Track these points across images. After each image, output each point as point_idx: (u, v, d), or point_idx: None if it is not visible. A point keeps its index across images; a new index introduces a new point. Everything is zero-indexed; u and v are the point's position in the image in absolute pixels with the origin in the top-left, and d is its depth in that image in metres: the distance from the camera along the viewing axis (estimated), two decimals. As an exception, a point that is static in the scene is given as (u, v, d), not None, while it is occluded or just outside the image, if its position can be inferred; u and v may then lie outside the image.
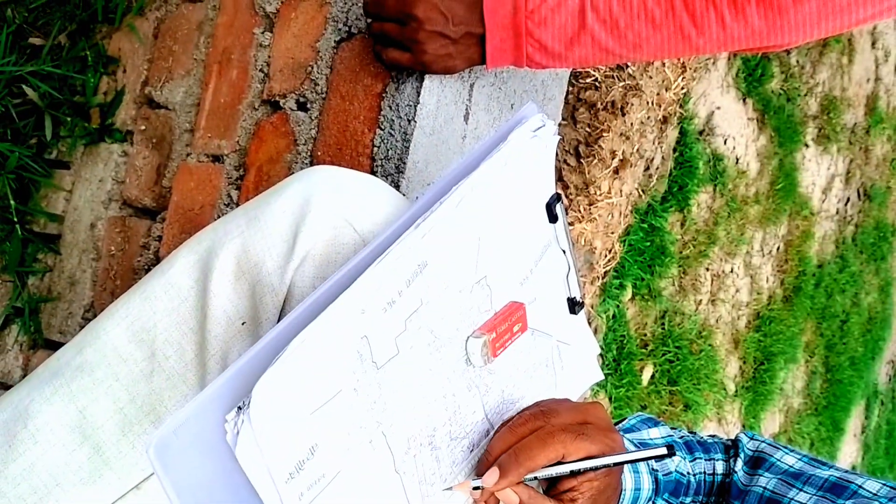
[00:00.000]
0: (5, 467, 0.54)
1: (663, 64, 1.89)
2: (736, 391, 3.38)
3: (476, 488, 0.61)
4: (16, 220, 1.15)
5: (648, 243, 2.58)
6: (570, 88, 1.76)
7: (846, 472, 0.77)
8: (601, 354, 2.27)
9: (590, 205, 1.75)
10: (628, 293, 2.54)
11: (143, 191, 1.07)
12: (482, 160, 0.60)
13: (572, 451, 0.60)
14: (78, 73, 1.15)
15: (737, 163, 3.19)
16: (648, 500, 0.73)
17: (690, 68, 2.29)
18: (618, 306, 2.59)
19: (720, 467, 0.83)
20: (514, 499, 0.60)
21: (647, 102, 1.89)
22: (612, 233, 2.10)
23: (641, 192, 2.45)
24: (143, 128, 1.09)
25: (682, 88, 2.28)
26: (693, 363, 2.95)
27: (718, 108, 2.92)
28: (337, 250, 0.58)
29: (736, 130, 3.15)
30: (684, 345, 2.91)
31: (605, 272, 2.27)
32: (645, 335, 2.79)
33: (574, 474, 0.63)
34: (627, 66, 1.79)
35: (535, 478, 0.60)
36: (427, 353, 0.57)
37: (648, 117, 2.07)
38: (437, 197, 0.57)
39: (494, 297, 0.64)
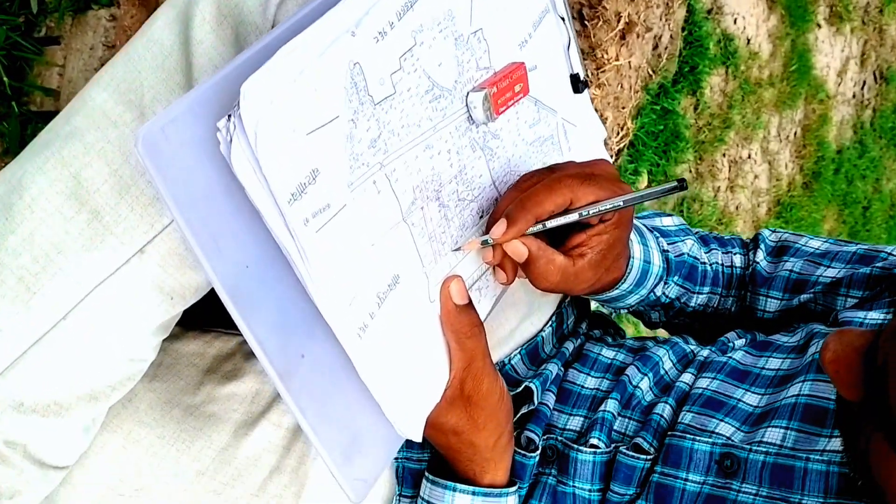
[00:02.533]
0: (4, 240, 0.53)
1: (664, -80, 1.82)
2: (760, 279, 3.32)
3: (485, 243, 0.59)
4: (10, 95, 1.13)
5: (662, 127, 2.53)
6: (569, -49, 1.70)
7: (873, 245, 0.75)
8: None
9: (597, 69, 1.71)
10: (644, 179, 2.50)
11: (136, 50, 1.05)
12: None
13: (580, 196, 0.58)
14: (57, -57, 1.12)
15: (748, 44, 3.11)
16: (659, 278, 0.71)
17: (693, -65, 2.21)
18: (634, 193, 2.53)
19: (738, 260, 0.81)
20: (522, 250, 0.58)
21: (650, -37, 1.83)
22: (623, 108, 2.06)
23: (652, 72, 2.39)
24: (128, -13, 1.06)
25: (687, -41, 2.21)
26: (714, 250, 2.89)
27: (725, -16, 2.83)
28: (319, -13, 0.56)
29: (745, 9, 3.06)
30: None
31: (619, 151, 2.23)
32: (664, 223, 2.72)
33: (584, 228, 0.61)
34: (627, -76, 1.72)
35: (545, 227, 0.58)
36: (426, 100, 0.55)
37: (653, -15, 2.00)
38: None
39: (493, 56, 0.61)
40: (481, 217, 0.63)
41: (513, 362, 0.73)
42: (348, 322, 0.50)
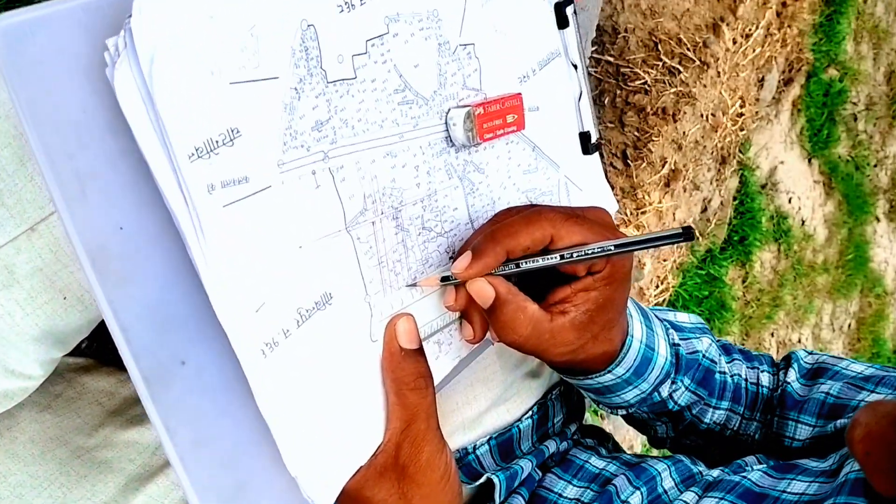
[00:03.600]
0: None
1: (718, 73, 1.80)
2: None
3: (445, 279, 0.50)
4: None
5: (707, 293, 2.43)
6: (619, 92, 1.68)
7: None
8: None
9: (637, 209, 1.64)
10: (684, 346, 2.36)
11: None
12: None
13: (563, 234, 0.48)
14: None
15: (802, 224, 3.03)
16: (666, 374, 0.59)
17: (749, 102, 2.19)
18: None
19: (766, 379, 0.69)
20: (488, 291, 0.48)
21: (701, 116, 1.80)
22: (665, 260, 1.97)
23: (699, 235, 2.32)
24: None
25: (741, 127, 2.19)
26: (757, 435, 2.68)
27: (782, 162, 2.79)
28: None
29: (801, 191, 3.00)
30: (747, 414, 2.66)
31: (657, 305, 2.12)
32: (703, 397, 2.55)
33: (569, 282, 0.51)
34: (680, 72, 1.71)
35: (518, 268, 0.48)
36: (394, 101, 0.47)
37: (703, 142, 1.96)
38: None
39: (486, 80, 0.54)
40: (450, 257, 0.53)
41: (478, 452, 0.60)
42: (251, 333, 0.40)
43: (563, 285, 0.51)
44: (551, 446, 0.62)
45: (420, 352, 0.48)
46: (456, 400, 0.59)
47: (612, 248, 0.47)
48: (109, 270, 0.37)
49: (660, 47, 1.70)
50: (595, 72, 1.67)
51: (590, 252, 0.48)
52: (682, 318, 0.67)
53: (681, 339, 0.63)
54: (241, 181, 0.39)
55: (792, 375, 0.67)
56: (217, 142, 0.38)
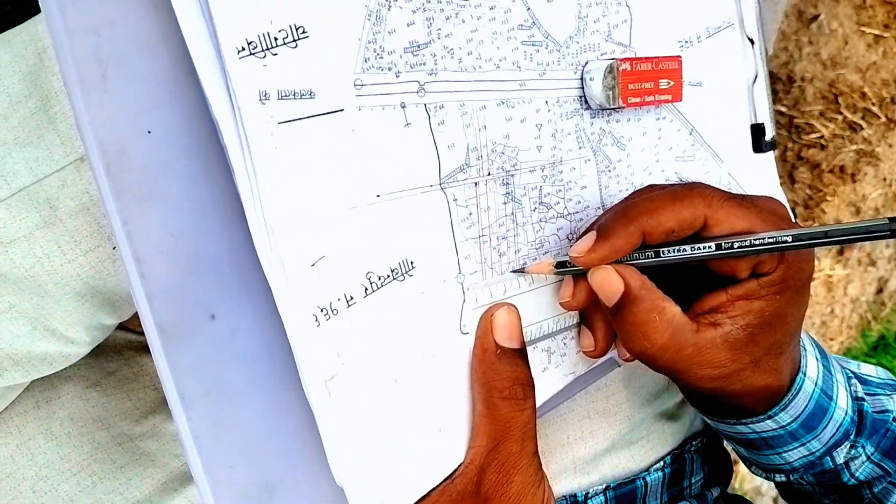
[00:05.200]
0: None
1: (908, 133, 1.61)
2: None
3: (560, 267, 0.39)
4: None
5: (876, 387, 2.16)
6: (790, 145, 1.53)
7: None
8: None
9: (803, 275, 1.46)
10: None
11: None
12: None
13: (722, 218, 0.37)
14: None
15: None
16: (844, 434, 0.46)
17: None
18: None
19: None
20: (615, 284, 0.37)
21: (884, 180, 1.60)
22: (831, 340, 1.75)
23: (872, 318, 2.08)
24: None
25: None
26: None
27: (975, 249, 2.48)
28: None
29: None
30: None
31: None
32: None
33: (724, 287, 0.39)
34: (862, 128, 1.53)
35: (658, 257, 0.37)
36: (517, 39, 0.38)
37: (884, 211, 1.75)
38: None
39: (637, 35, 0.44)
40: (570, 244, 0.43)
41: (591, 503, 0.48)
42: (303, 291, 0.31)
43: (716, 290, 0.39)
44: (686, 509, 0.49)
45: (521, 353, 0.37)
46: (568, 433, 0.47)
47: (789, 239, 0.36)
48: (128, 182, 0.29)
49: (840, 100, 1.54)
50: (764, 121, 1.52)
51: (758, 243, 0.36)
52: (868, 370, 0.53)
53: (866, 394, 0.49)
54: (304, 95, 0.31)
55: None
56: (276, 39, 0.30)
